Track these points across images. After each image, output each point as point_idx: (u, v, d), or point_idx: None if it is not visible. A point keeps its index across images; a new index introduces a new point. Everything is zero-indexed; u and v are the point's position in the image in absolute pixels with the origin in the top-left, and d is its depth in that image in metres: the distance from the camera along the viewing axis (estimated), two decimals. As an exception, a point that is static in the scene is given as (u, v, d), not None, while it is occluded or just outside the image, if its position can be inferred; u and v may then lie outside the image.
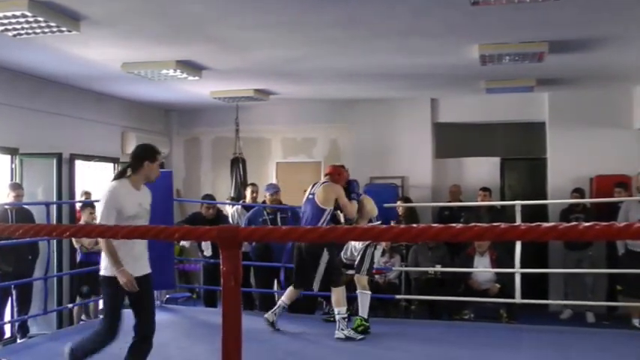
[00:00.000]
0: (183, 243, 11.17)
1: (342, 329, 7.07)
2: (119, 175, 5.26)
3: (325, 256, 7.17)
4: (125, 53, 7.97)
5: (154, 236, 2.79)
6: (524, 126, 11.97)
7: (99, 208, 5.16)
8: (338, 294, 7.17)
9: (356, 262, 7.49)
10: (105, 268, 5.08)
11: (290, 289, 7.55)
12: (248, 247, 9.16)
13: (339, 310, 7.13)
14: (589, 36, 7.34)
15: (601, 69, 9.22)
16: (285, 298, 7.52)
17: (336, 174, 7.55)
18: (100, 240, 5.25)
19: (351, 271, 7.69)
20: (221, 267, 2.57)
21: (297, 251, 7.43)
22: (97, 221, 5.40)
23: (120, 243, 4.89)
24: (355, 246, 7.63)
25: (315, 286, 7.30)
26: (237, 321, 2.58)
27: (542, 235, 2.23)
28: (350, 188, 7.54)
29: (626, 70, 9.37)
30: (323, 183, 7.48)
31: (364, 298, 7.35)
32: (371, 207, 7.67)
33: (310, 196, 7.42)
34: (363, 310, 7.32)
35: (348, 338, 7.00)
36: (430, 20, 6.68)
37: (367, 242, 7.30)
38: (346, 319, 7.13)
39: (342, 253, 7.81)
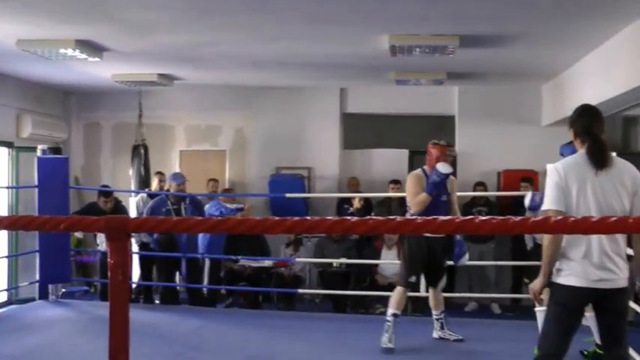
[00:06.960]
0: (77, 234, 10.66)
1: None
2: None
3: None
4: (20, 29, 7.45)
5: (38, 227, 2.66)
6: (433, 119, 12.00)
7: None
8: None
9: None
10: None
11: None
12: (149, 238, 8.85)
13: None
14: (500, 32, 7.35)
15: (511, 66, 9.31)
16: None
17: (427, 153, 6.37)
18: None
19: None
20: (108, 259, 2.42)
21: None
22: None
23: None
24: None
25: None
26: (125, 317, 2.46)
27: (438, 227, 2.38)
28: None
29: (535, 68, 9.49)
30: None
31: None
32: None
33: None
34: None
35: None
36: (340, 7, 6.51)
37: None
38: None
39: None
